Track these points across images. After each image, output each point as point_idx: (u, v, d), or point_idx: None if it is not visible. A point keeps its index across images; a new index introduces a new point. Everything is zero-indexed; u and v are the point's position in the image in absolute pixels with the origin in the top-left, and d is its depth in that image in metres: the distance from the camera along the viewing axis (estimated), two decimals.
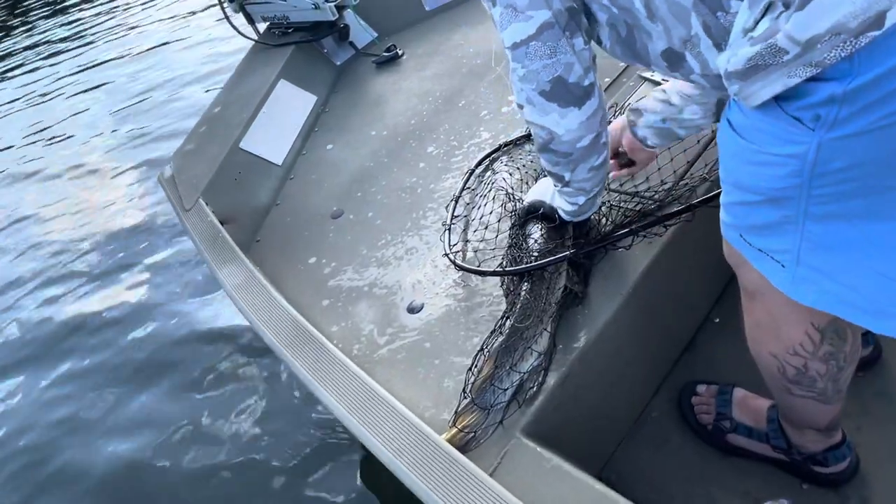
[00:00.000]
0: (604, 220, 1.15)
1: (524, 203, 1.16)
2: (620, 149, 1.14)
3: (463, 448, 0.91)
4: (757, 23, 0.56)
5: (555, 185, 1.04)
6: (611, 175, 1.19)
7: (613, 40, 0.86)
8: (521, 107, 0.91)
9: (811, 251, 0.64)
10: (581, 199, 1.03)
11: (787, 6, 0.52)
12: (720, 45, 0.68)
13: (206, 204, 1.59)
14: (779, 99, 0.57)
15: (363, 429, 0.94)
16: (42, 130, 4.80)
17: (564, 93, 0.86)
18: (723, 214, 0.75)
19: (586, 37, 0.86)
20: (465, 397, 0.95)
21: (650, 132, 1.05)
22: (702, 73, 0.77)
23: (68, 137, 4.53)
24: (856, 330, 0.82)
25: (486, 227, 1.28)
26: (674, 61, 0.78)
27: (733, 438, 1.10)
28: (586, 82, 0.86)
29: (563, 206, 1.06)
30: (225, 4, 2.26)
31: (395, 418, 0.94)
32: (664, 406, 1.22)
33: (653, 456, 1.16)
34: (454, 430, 0.91)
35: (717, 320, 1.33)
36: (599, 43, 0.89)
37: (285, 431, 1.79)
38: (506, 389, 0.94)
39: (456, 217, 1.34)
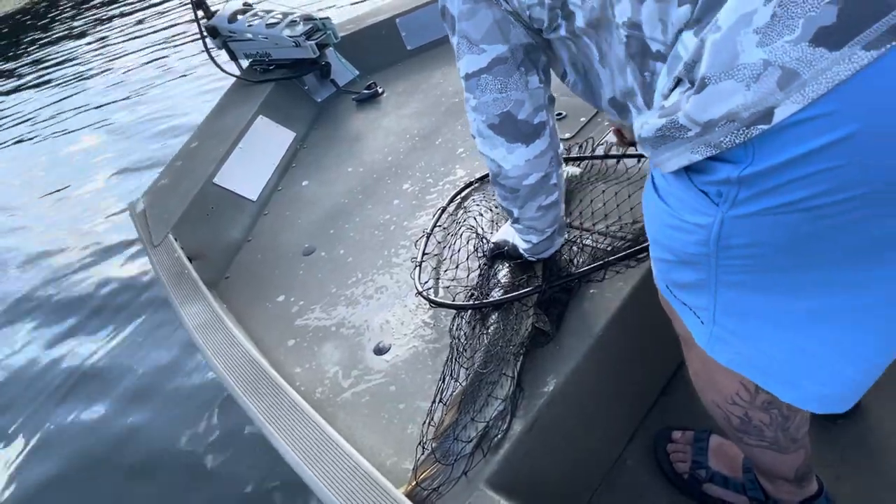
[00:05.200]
0: (575, 260, 1.13)
1: (490, 243, 1.14)
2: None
3: (423, 502, 0.86)
4: (671, 91, 0.56)
5: (509, 220, 1.03)
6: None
7: (576, 76, 0.85)
8: (473, 137, 0.91)
9: (724, 314, 0.64)
10: (534, 238, 1.02)
11: (692, 83, 0.52)
12: (648, 105, 0.67)
13: (176, 239, 1.56)
14: (689, 170, 0.57)
15: (317, 479, 0.89)
16: (32, 169, 4.77)
17: (512, 128, 0.85)
18: (652, 265, 0.74)
19: (543, 75, 0.86)
20: (423, 451, 0.90)
21: None
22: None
23: (47, 164, 4.52)
24: None
25: (456, 266, 1.26)
26: (620, 109, 0.78)
27: (709, 489, 1.05)
28: (536, 120, 0.85)
29: (520, 243, 1.05)
30: (208, 41, 2.27)
31: (352, 469, 0.89)
32: (639, 453, 1.18)
33: None
34: (414, 483, 0.87)
35: None
36: (563, 78, 0.89)
37: (240, 475, 1.72)
38: (469, 440, 0.89)
39: (427, 254, 1.32)
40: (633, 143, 1.29)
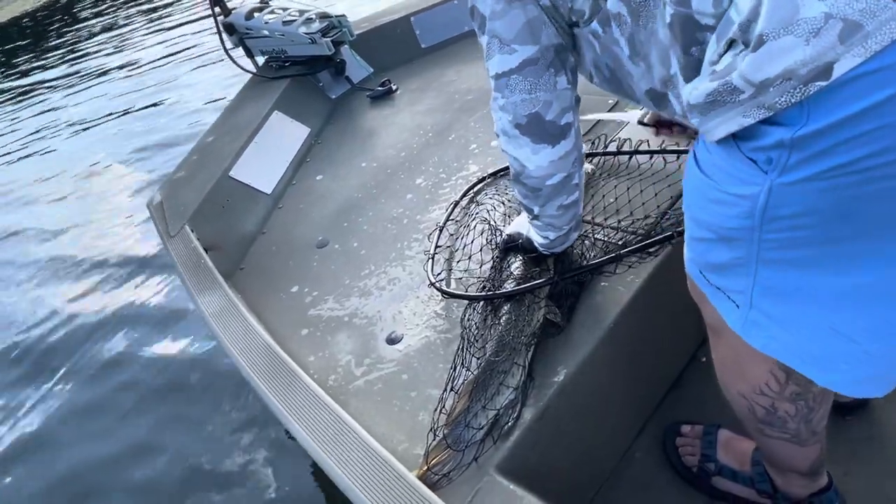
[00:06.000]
0: (587, 254, 1.14)
1: (504, 235, 1.15)
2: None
3: (434, 485, 0.87)
4: (720, 57, 0.55)
5: (527, 217, 1.04)
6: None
7: (601, 78, 0.86)
8: (497, 136, 0.91)
9: (762, 296, 0.63)
10: (551, 234, 1.03)
11: (746, 45, 0.52)
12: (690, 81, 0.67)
13: (192, 231, 1.59)
14: (737, 137, 0.56)
15: (331, 462, 0.90)
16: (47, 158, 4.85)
17: (539, 129, 0.86)
18: (685, 249, 0.74)
19: (571, 75, 0.86)
20: (434, 437, 0.92)
21: None
22: (682, 114, 0.76)
23: (69, 159, 4.60)
24: None
25: (469, 258, 1.27)
26: (658, 100, 0.78)
27: (718, 482, 1.06)
28: (563, 121, 0.86)
29: (536, 238, 1.06)
30: (225, 38, 2.31)
31: (365, 453, 0.90)
32: (648, 446, 1.19)
33: (636, 499, 1.12)
34: (425, 468, 0.88)
35: (704, 359, 1.30)
36: (591, 79, 0.89)
37: (255, 460, 1.75)
38: (480, 428, 0.91)
39: (440, 247, 1.33)
40: (672, 125, 1.28)
